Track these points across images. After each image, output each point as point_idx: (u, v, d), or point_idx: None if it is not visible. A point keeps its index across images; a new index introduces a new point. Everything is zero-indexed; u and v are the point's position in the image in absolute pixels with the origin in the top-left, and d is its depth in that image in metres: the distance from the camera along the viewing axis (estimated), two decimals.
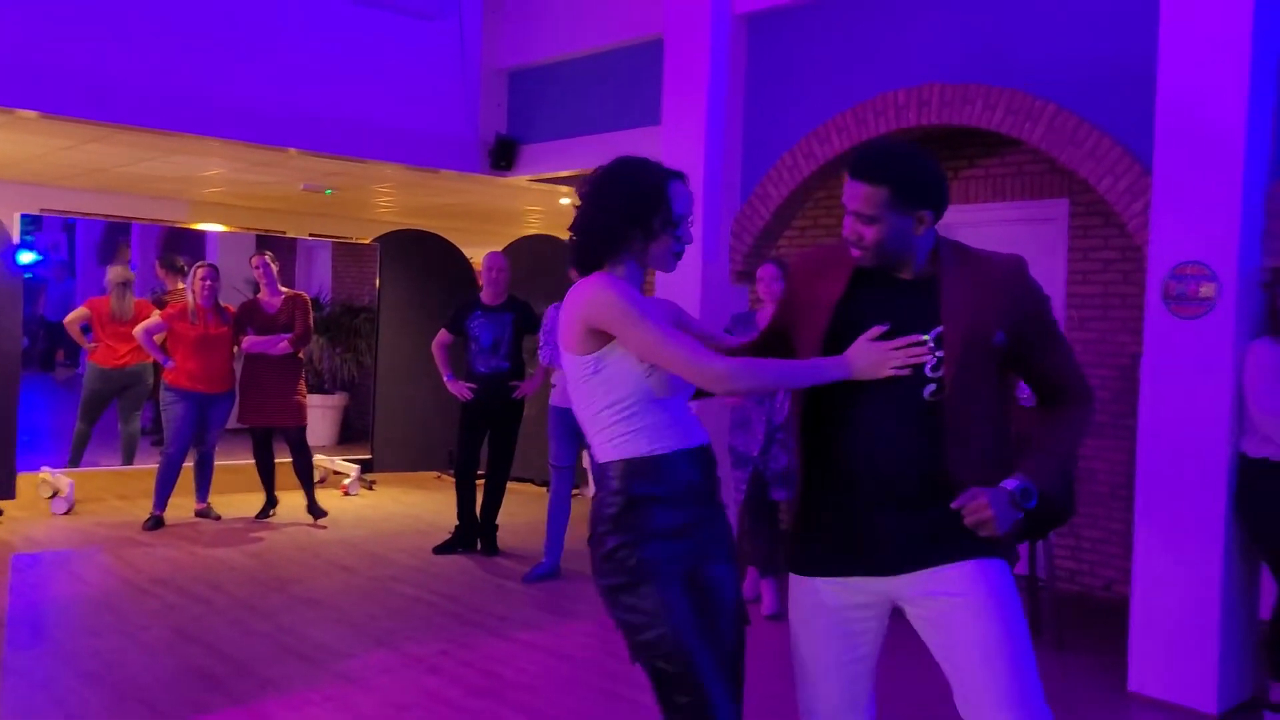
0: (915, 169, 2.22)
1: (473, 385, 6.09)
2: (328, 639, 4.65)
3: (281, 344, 6.85)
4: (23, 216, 7.61)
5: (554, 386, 5.76)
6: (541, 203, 9.68)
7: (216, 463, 7.17)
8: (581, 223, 2.37)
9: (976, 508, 2.11)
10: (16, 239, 7.35)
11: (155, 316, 7.00)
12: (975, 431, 2.19)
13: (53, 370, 11.02)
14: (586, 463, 6.83)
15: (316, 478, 7.51)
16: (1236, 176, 4.04)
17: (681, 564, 2.30)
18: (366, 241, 9.29)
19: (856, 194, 2.20)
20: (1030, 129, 4.75)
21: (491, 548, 6.31)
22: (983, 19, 4.98)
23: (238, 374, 6.99)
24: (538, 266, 7.89)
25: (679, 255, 2.37)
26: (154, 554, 6.05)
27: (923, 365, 2.17)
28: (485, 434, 6.22)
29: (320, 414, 9.82)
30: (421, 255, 9.14)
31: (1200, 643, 4.07)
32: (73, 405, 8.01)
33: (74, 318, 7.75)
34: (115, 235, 11.07)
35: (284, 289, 7.10)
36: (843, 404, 2.23)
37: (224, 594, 5.29)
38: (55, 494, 7.15)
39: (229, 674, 4.17)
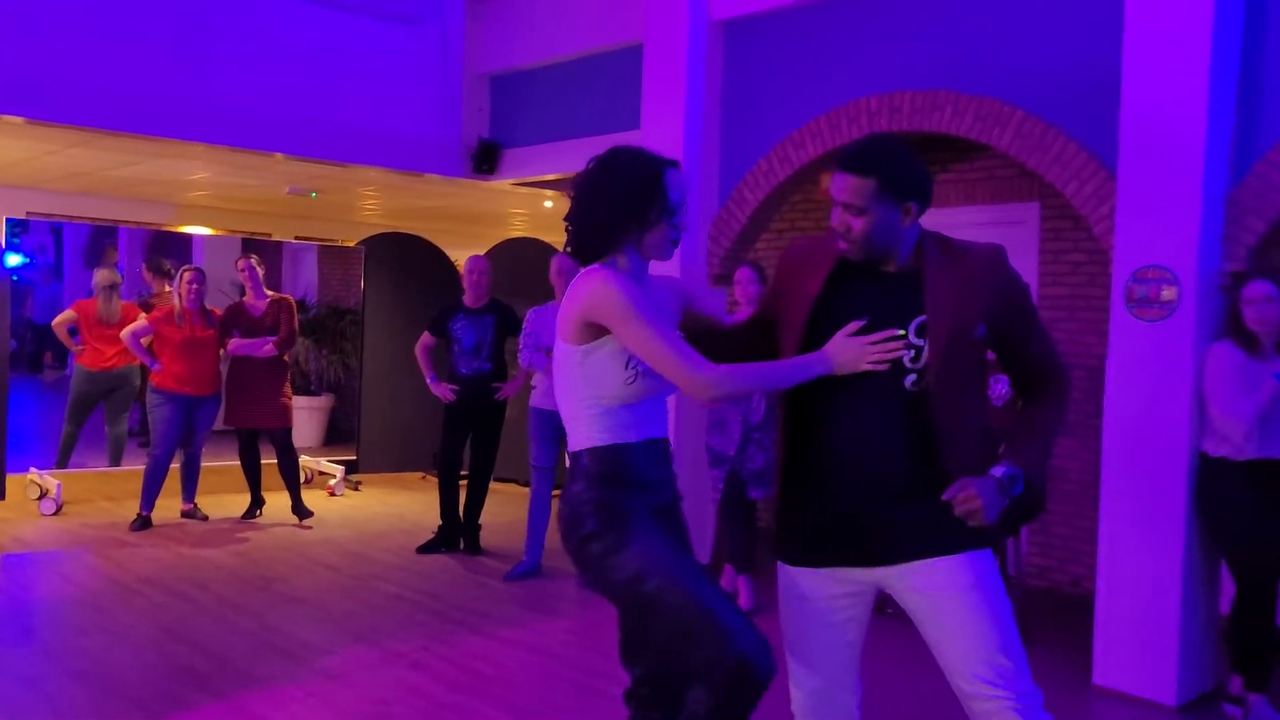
0: (901, 161, 2.27)
1: (455, 387, 6.17)
2: (311, 636, 4.73)
3: (267, 347, 6.91)
4: (9, 220, 7.65)
5: (534, 388, 5.84)
6: (525, 206, 9.75)
7: (203, 464, 7.23)
8: (578, 214, 2.39)
9: (966, 498, 2.15)
10: (3, 242, 7.40)
11: (142, 319, 7.07)
12: (962, 423, 2.23)
13: (40, 372, 11.07)
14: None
15: (303, 479, 7.57)
16: (1197, 182, 4.15)
17: (652, 508, 2.40)
18: (351, 244, 9.35)
19: (845, 186, 2.24)
20: (999, 135, 4.86)
21: (474, 547, 6.39)
22: (953, 27, 5.08)
23: (224, 376, 7.06)
24: (521, 269, 7.97)
25: (676, 243, 2.40)
26: (141, 554, 6.12)
27: (901, 358, 2.21)
28: (468, 435, 6.30)
29: (307, 415, 9.88)
30: (406, 258, 9.20)
31: (1161, 637, 4.18)
32: (60, 407, 8.05)
33: (61, 320, 7.79)
34: (102, 238, 11.12)
35: (269, 292, 7.16)
36: (825, 396, 2.28)
37: (210, 593, 5.36)
38: (43, 495, 7.21)
39: (214, 671, 4.24)
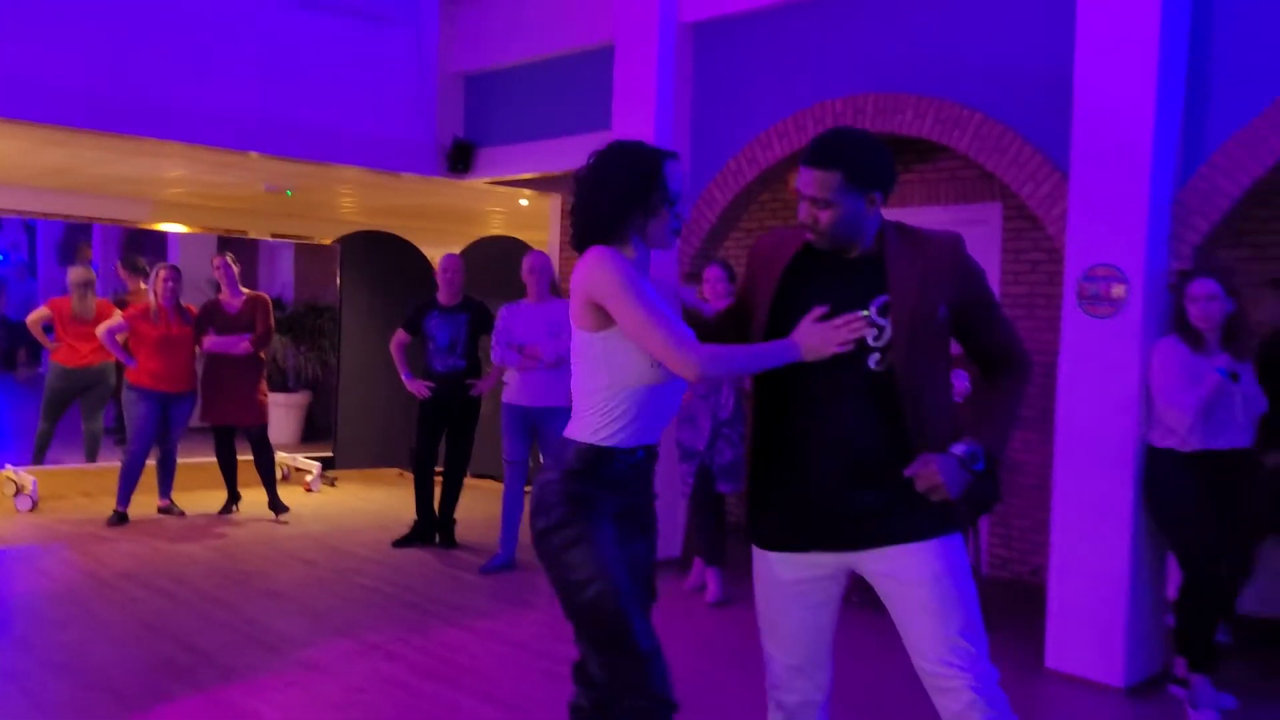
0: (865, 152, 2.35)
1: (430, 384, 6.27)
2: (289, 629, 4.81)
3: (243, 344, 6.96)
4: None
5: (507, 385, 5.93)
6: (502, 204, 9.82)
7: (179, 460, 7.28)
8: (581, 206, 2.44)
9: (928, 474, 2.24)
10: None
11: (117, 316, 7.10)
12: (928, 402, 2.30)
13: (14, 370, 11.06)
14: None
15: (279, 475, 7.64)
16: (1144, 184, 4.30)
17: (621, 507, 2.47)
18: (328, 242, 9.39)
19: (811, 180, 2.31)
20: (959, 136, 5.00)
21: (449, 541, 6.49)
22: (914, 31, 5.22)
23: (199, 373, 7.12)
24: (495, 266, 8.04)
25: (677, 232, 2.47)
26: (118, 549, 6.18)
27: (865, 338, 2.28)
28: (443, 431, 6.40)
29: (284, 412, 9.93)
30: (382, 256, 9.24)
31: (1110, 622, 4.34)
32: (35, 404, 8.07)
33: (36, 317, 7.80)
34: (76, 235, 11.11)
35: (245, 290, 7.22)
36: (793, 382, 2.35)
37: (188, 587, 5.43)
38: (19, 491, 7.24)
39: (193, 663, 4.31)
